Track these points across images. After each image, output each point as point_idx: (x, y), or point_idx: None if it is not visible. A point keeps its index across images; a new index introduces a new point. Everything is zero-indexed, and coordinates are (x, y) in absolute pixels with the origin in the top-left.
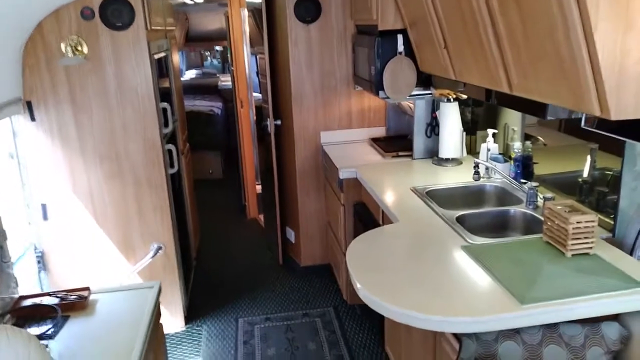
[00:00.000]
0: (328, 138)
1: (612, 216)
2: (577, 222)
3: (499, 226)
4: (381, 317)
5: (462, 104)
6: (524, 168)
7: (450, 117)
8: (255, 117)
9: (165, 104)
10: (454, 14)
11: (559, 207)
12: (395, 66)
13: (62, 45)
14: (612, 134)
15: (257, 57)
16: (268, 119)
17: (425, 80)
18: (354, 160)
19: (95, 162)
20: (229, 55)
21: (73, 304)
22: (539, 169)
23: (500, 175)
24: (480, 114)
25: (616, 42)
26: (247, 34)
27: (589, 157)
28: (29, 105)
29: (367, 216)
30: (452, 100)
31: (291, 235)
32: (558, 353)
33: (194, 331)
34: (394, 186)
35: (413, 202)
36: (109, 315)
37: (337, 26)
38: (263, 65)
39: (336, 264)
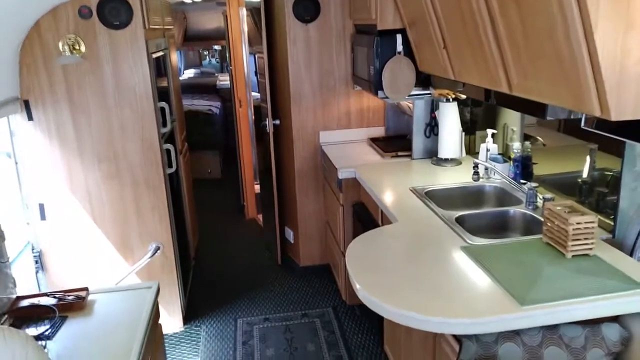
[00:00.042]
0: (327, 138)
1: (612, 217)
2: (577, 223)
3: (498, 227)
4: (380, 318)
5: (461, 104)
6: (524, 168)
7: (450, 117)
8: (253, 117)
9: (163, 104)
10: (453, 14)
11: (558, 208)
12: (395, 66)
13: (60, 44)
14: (612, 135)
15: (256, 56)
16: (267, 119)
17: (424, 80)
18: (353, 160)
19: (93, 161)
20: (227, 54)
21: (71, 305)
22: (538, 170)
23: (499, 176)
24: (480, 114)
25: (617, 41)
26: (246, 33)
27: (588, 158)
28: (27, 105)
29: (366, 216)
30: (451, 100)
31: (290, 235)
32: (558, 355)
33: (192, 331)
34: (393, 186)
35: (412, 202)
36: (107, 315)
37: (336, 25)
38: (262, 65)
39: (335, 264)
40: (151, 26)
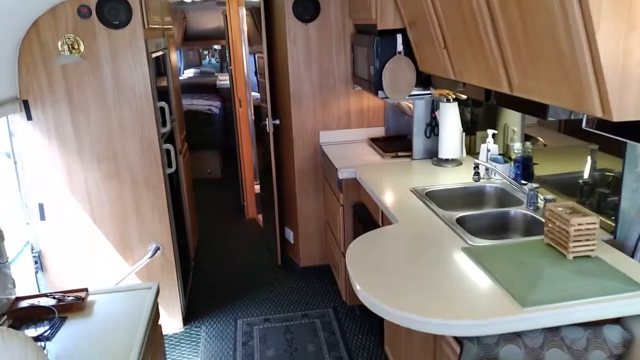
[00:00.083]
0: (327, 138)
1: (613, 218)
2: (579, 224)
3: (499, 228)
4: (381, 319)
5: (462, 104)
6: (524, 169)
7: (450, 118)
8: (253, 117)
9: (163, 103)
10: (453, 13)
11: (559, 209)
12: (395, 66)
13: (59, 44)
14: (613, 135)
15: (256, 56)
16: (266, 119)
17: (424, 80)
18: (353, 161)
19: (92, 161)
20: (227, 54)
21: (70, 305)
22: (539, 170)
23: (500, 176)
24: (480, 115)
25: (619, 42)
26: (246, 32)
27: (589, 158)
28: (26, 105)
29: (366, 217)
30: (451, 100)
31: (290, 235)
32: (560, 357)
33: (192, 332)
34: (393, 187)
35: (413, 202)
36: (106, 316)
37: (336, 25)
38: (261, 65)
39: (335, 264)
40: (151, 26)
